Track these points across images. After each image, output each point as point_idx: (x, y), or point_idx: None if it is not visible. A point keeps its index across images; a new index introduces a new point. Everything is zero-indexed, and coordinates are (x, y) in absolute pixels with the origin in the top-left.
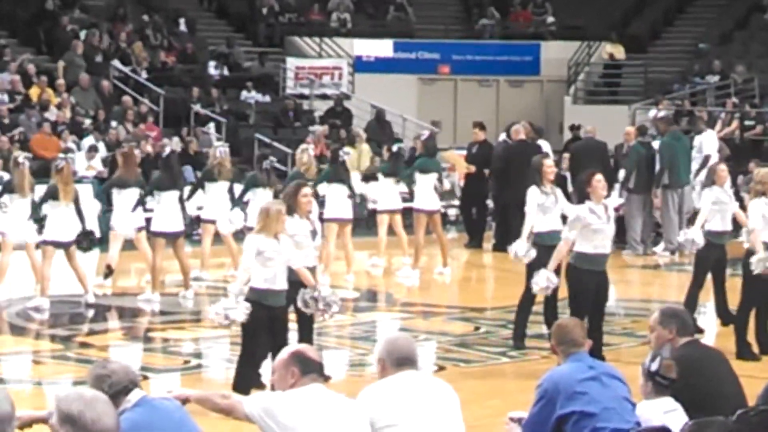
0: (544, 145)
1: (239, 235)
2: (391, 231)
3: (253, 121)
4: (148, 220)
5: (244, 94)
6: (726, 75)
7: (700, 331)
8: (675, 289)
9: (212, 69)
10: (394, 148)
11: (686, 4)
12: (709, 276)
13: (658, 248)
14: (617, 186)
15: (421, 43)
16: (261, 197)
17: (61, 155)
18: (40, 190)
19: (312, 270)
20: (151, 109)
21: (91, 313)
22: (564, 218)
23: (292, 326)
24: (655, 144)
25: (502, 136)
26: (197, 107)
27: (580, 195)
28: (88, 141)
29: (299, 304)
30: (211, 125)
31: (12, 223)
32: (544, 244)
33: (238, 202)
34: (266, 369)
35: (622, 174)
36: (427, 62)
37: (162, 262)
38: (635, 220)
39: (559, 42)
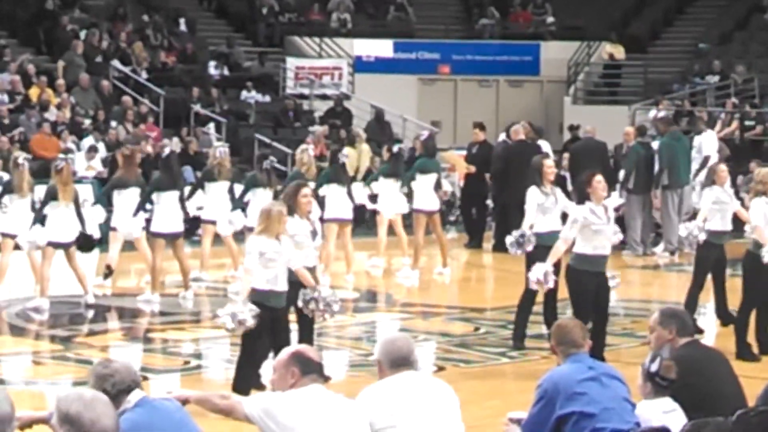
0: (545, 146)
1: (239, 236)
2: (391, 231)
3: (253, 121)
4: (147, 221)
5: (244, 94)
6: (726, 75)
7: (700, 331)
8: (675, 289)
9: (212, 69)
10: (395, 148)
11: (686, 4)
12: (709, 276)
13: (657, 249)
14: (617, 186)
15: (421, 43)
16: (261, 197)
17: (61, 155)
18: (40, 190)
19: (312, 270)
20: (151, 110)
21: (90, 313)
22: (564, 218)
23: (293, 327)
24: (655, 144)
25: (502, 137)
26: (197, 107)
27: (581, 196)
28: (88, 141)
29: (299, 304)
30: (211, 125)
31: (12, 223)
32: (544, 245)
33: (238, 203)
34: (266, 369)
35: (622, 174)
36: (427, 62)
37: (161, 262)
38: (635, 220)
39: (558, 42)
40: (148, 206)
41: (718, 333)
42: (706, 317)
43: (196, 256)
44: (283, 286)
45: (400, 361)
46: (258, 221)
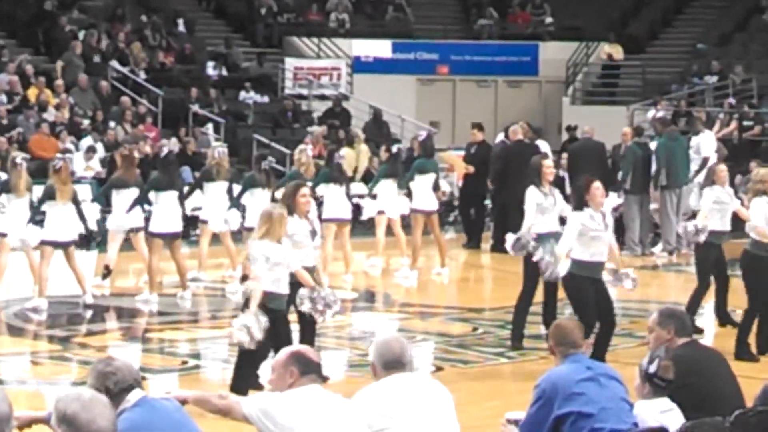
0: (544, 146)
1: (237, 236)
2: (389, 231)
3: (251, 122)
4: (146, 221)
5: (242, 94)
6: (725, 76)
7: (699, 331)
8: (673, 289)
9: (211, 69)
10: (394, 149)
11: (684, 4)
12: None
13: (656, 249)
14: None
15: (420, 43)
16: (259, 198)
17: (59, 155)
18: (38, 190)
19: (312, 270)
20: (150, 110)
21: (89, 313)
22: (562, 220)
23: (294, 327)
24: (653, 145)
25: (500, 137)
26: (195, 108)
27: (579, 202)
28: (87, 141)
29: (298, 304)
30: (210, 126)
31: (10, 223)
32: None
33: (235, 202)
34: (264, 370)
35: (620, 175)
36: (425, 63)
37: (159, 262)
38: (633, 221)
39: (557, 42)
40: (147, 206)
41: (716, 333)
42: (705, 317)
43: (194, 256)
44: (285, 288)
45: (393, 363)
46: (259, 225)
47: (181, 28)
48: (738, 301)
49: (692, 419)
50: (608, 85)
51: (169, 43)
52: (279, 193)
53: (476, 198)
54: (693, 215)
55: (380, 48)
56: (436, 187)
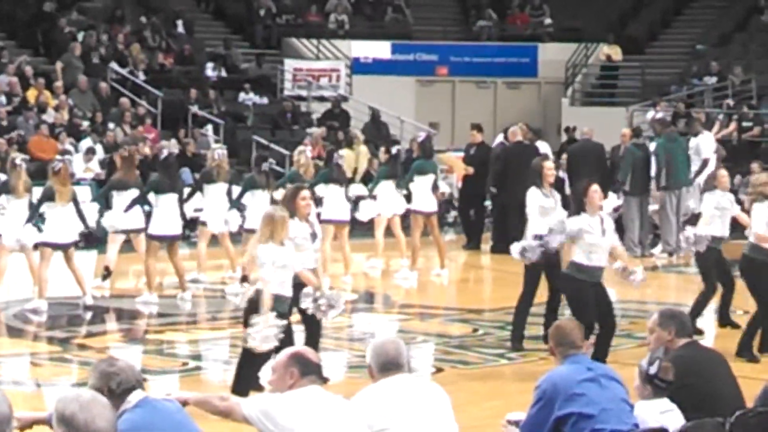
0: (544, 147)
1: (236, 237)
2: (389, 232)
3: (250, 123)
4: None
5: (241, 95)
6: (724, 77)
7: (700, 332)
8: (673, 290)
9: (210, 71)
10: (393, 150)
11: (684, 5)
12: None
13: (655, 250)
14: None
15: (419, 44)
16: (259, 199)
17: (58, 157)
18: (37, 191)
19: (312, 272)
20: (149, 111)
21: (89, 315)
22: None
23: (296, 327)
24: (652, 146)
25: (499, 138)
26: (195, 109)
27: (577, 206)
28: (86, 143)
29: (302, 304)
30: (209, 127)
31: (8, 224)
32: None
33: (235, 203)
34: (264, 371)
35: (620, 176)
36: (424, 64)
37: (155, 263)
38: (632, 222)
39: (556, 44)
40: (147, 207)
41: (717, 334)
42: (706, 318)
43: (193, 257)
44: (289, 291)
45: (389, 365)
46: (261, 228)
47: (181, 29)
48: (737, 301)
49: (692, 420)
50: (607, 86)
51: (169, 44)
52: (278, 194)
53: (476, 199)
54: (692, 216)
55: (379, 49)
56: (434, 188)
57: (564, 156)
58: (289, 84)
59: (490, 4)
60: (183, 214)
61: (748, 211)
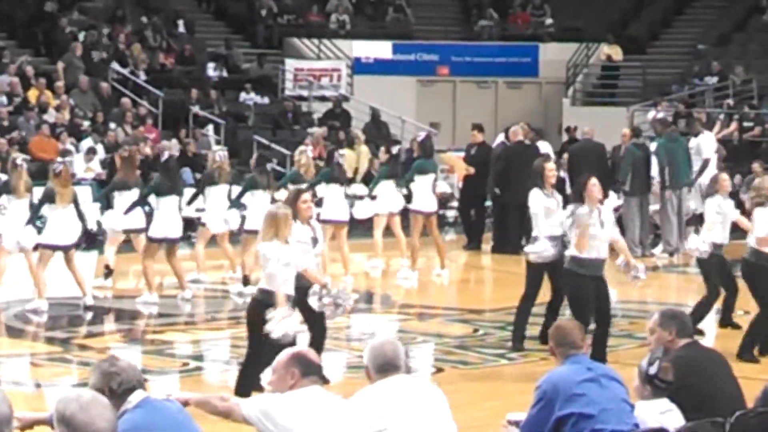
0: (546, 147)
1: (235, 237)
2: (389, 233)
3: (251, 123)
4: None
5: (242, 95)
6: (725, 76)
7: (701, 333)
8: (673, 290)
9: (211, 71)
10: (394, 150)
11: (685, 5)
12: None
13: (656, 250)
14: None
15: (420, 44)
16: (259, 199)
17: (59, 159)
18: (38, 192)
19: None
20: (150, 111)
21: (89, 315)
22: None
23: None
24: (653, 146)
25: (500, 138)
26: (196, 109)
27: (577, 198)
28: (87, 143)
29: (309, 302)
30: (210, 127)
31: (9, 225)
32: None
33: (235, 203)
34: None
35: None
36: (425, 64)
37: (153, 264)
38: (633, 222)
39: (557, 43)
40: (146, 208)
41: (717, 334)
42: (706, 319)
43: (193, 257)
44: (291, 290)
45: (386, 366)
46: (265, 226)
47: (182, 29)
48: (738, 302)
49: (692, 420)
50: (608, 86)
51: (170, 44)
52: (279, 195)
53: (476, 199)
54: (693, 217)
55: (380, 49)
56: (434, 188)
57: (565, 156)
58: (290, 84)
59: (491, 3)
60: (182, 217)
61: (749, 213)
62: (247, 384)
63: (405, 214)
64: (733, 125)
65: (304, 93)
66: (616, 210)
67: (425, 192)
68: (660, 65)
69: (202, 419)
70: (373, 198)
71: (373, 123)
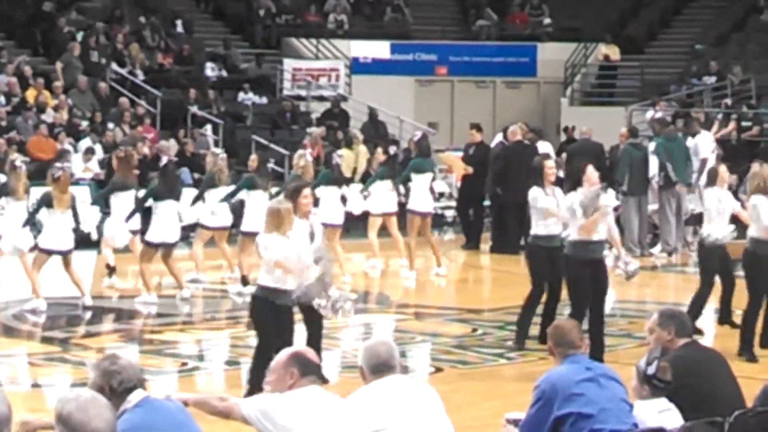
0: (545, 147)
1: (234, 238)
2: (386, 233)
3: (250, 123)
4: (145, 224)
5: (241, 95)
6: (723, 76)
7: (700, 332)
8: (672, 290)
9: (209, 70)
10: (391, 151)
11: (683, 5)
12: (718, 278)
13: (655, 250)
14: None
15: (418, 44)
16: (256, 199)
17: (59, 164)
18: (36, 192)
19: None
20: (148, 111)
21: (88, 315)
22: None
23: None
24: (651, 145)
25: (499, 138)
26: (194, 109)
27: (573, 184)
28: (85, 143)
29: (312, 303)
30: (208, 127)
31: (7, 227)
32: (547, 246)
33: (227, 198)
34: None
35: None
36: (424, 64)
37: (149, 267)
38: (631, 222)
39: (555, 43)
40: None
41: (717, 334)
42: (705, 318)
43: (192, 258)
44: (290, 284)
45: (380, 367)
46: (267, 220)
47: (180, 29)
48: (736, 301)
49: (691, 420)
50: (606, 86)
51: (168, 44)
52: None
53: (475, 199)
54: (692, 217)
55: (379, 49)
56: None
57: (563, 155)
58: (289, 84)
59: (489, 3)
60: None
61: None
62: (259, 377)
63: (402, 214)
64: (732, 125)
65: (303, 93)
66: (614, 210)
67: (422, 192)
68: (658, 65)
69: (201, 419)
70: (366, 197)
71: (372, 123)
